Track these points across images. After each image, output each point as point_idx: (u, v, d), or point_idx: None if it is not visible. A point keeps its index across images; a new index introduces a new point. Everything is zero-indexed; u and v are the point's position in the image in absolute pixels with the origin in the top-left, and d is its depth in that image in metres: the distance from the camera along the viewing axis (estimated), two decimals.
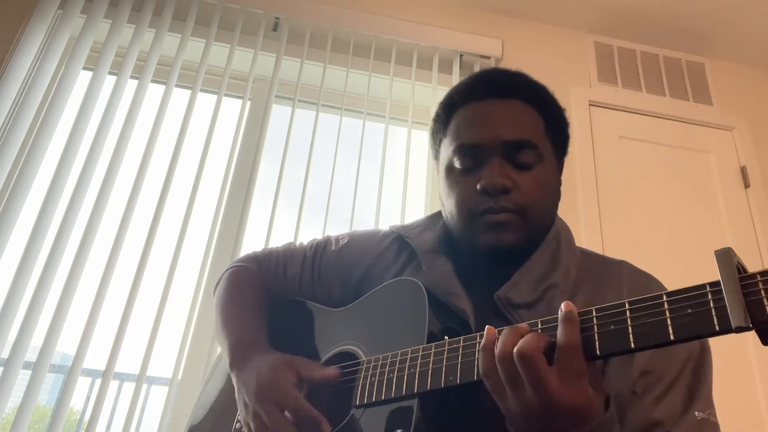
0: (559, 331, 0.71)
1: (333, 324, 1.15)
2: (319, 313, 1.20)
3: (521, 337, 0.73)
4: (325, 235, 1.33)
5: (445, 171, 1.07)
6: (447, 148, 1.08)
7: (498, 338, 0.75)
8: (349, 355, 1.03)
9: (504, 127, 1.02)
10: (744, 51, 3.07)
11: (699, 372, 0.90)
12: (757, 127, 2.95)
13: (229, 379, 1.11)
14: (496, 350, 0.73)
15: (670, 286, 0.98)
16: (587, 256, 1.10)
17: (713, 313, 0.61)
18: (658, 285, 1.02)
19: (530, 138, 1.02)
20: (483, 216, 0.98)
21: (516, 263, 1.01)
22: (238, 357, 1.10)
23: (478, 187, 0.98)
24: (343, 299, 1.17)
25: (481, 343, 0.76)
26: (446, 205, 1.08)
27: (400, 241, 1.20)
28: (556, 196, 1.07)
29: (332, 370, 1.00)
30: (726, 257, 0.62)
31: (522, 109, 1.05)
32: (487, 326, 0.78)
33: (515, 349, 0.71)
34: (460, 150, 1.04)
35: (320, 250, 1.27)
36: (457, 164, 1.04)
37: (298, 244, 1.34)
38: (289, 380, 0.98)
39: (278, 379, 0.98)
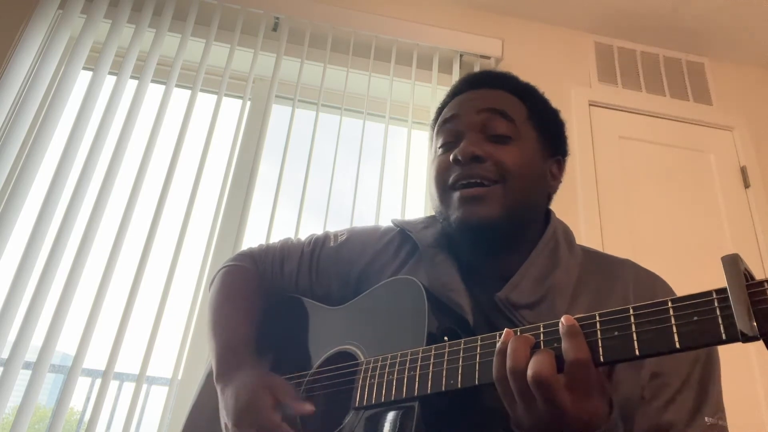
0: (566, 346, 0.70)
1: (331, 323, 1.14)
2: (316, 312, 1.19)
3: (531, 349, 0.72)
4: (324, 231, 1.32)
5: (431, 160, 1.11)
6: (433, 140, 1.12)
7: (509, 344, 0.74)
8: (348, 355, 1.02)
9: (480, 101, 1.06)
10: (744, 51, 3.07)
11: (707, 374, 0.90)
12: (757, 127, 2.95)
13: None
14: (508, 362, 0.72)
15: (671, 285, 0.98)
16: (590, 255, 1.09)
17: (720, 321, 0.60)
18: (663, 284, 1.01)
19: (505, 109, 1.04)
20: (455, 189, 0.99)
21: (515, 259, 1.00)
22: (222, 371, 1.09)
23: (450, 158, 1.00)
24: (341, 296, 1.16)
25: (498, 346, 0.75)
26: (429, 188, 1.10)
27: (401, 235, 1.20)
28: (539, 182, 1.06)
29: (308, 407, 0.97)
30: (733, 264, 0.61)
31: (502, 94, 1.08)
32: (505, 329, 0.77)
33: (529, 373, 0.70)
34: (440, 127, 1.09)
35: (318, 246, 1.26)
36: (438, 145, 1.08)
37: (295, 240, 1.33)
38: (267, 403, 0.97)
39: (257, 401, 0.98)
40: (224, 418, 1.02)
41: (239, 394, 1.00)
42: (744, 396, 2.30)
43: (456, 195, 0.99)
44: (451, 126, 1.06)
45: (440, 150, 1.07)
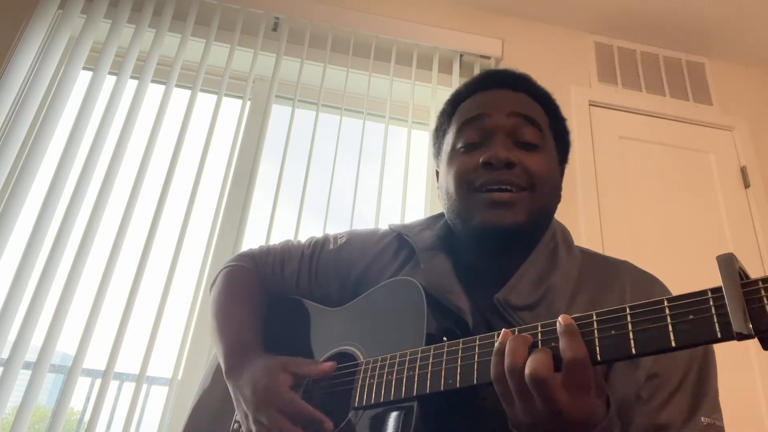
0: (563, 345, 0.70)
1: (331, 324, 1.14)
2: (316, 313, 1.20)
3: (529, 348, 0.73)
4: (324, 233, 1.32)
5: (448, 156, 1.07)
6: (451, 134, 1.08)
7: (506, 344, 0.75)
8: (348, 356, 1.03)
9: (510, 105, 1.04)
10: (744, 51, 3.07)
11: (703, 374, 0.90)
12: (757, 127, 2.95)
13: (225, 382, 1.11)
14: (506, 361, 0.73)
15: (671, 285, 0.98)
16: (588, 256, 1.09)
17: (715, 320, 0.61)
18: (661, 286, 1.01)
19: (534, 116, 1.03)
20: (482, 192, 0.97)
21: (514, 261, 1.00)
22: (233, 365, 1.09)
23: (480, 160, 0.98)
24: (340, 298, 1.16)
25: (496, 346, 0.75)
26: (444, 185, 1.07)
27: (399, 239, 1.19)
28: (557, 191, 1.07)
29: (328, 364, 1.00)
30: (728, 263, 0.61)
31: (527, 99, 1.07)
32: (503, 329, 0.77)
33: (527, 372, 0.70)
34: (465, 125, 1.05)
35: (318, 248, 1.27)
36: (460, 143, 1.04)
37: (295, 241, 1.33)
38: (284, 383, 0.97)
39: (274, 383, 0.98)
40: (242, 409, 1.02)
41: (256, 381, 1.00)
42: (744, 396, 2.30)
43: (484, 197, 0.97)
44: (478, 125, 1.03)
45: (462, 149, 1.04)
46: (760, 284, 0.58)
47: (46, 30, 2.42)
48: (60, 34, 2.42)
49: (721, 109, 2.96)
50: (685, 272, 2.37)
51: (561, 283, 0.98)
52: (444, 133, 1.12)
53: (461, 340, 0.83)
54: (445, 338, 0.87)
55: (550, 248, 1.03)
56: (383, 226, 1.29)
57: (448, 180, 1.05)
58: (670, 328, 0.64)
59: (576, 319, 0.72)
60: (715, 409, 0.87)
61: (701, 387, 0.89)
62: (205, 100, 2.57)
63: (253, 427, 0.98)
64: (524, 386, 0.70)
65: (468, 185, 1.00)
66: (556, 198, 1.06)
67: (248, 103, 2.58)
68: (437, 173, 1.17)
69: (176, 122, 2.39)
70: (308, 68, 2.64)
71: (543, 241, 1.03)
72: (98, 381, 2.04)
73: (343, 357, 1.04)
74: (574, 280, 1.01)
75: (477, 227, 0.98)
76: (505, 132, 1.01)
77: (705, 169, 2.78)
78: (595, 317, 0.71)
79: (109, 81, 2.40)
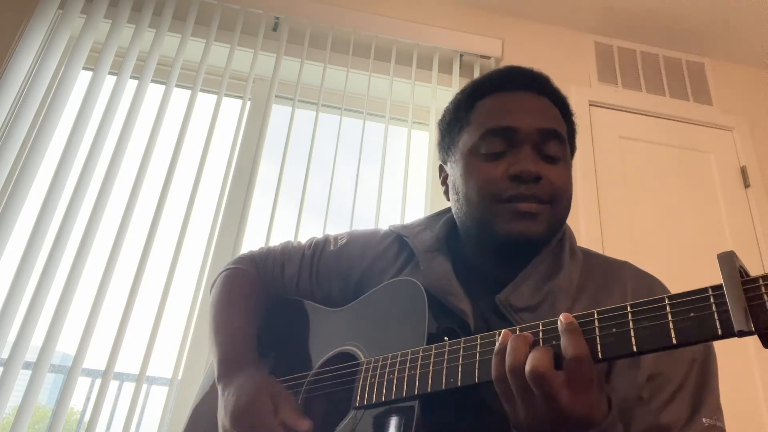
0: (564, 343, 0.70)
1: (332, 324, 1.14)
2: (317, 314, 1.20)
3: (530, 347, 0.73)
4: (324, 234, 1.32)
5: (466, 156, 1.04)
6: (471, 134, 1.05)
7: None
8: (349, 356, 1.03)
9: (538, 116, 1.02)
10: (744, 51, 3.07)
11: (704, 374, 0.90)
12: (757, 127, 2.95)
13: None
14: (507, 360, 0.72)
15: (671, 285, 0.98)
16: (590, 257, 1.09)
17: (716, 317, 0.61)
18: (661, 286, 1.01)
19: (560, 131, 1.02)
20: (509, 203, 0.95)
21: (516, 264, 1.00)
22: (225, 373, 1.09)
23: (510, 171, 0.96)
24: (341, 299, 1.17)
25: (496, 347, 0.75)
26: (462, 189, 1.03)
27: (399, 241, 1.19)
28: (571, 201, 1.06)
29: (304, 424, 0.96)
30: (728, 261, 0.62)
31: (551, 108, 1.06)
32: (503, 330, 0.77)
33: (527, 368, 0.70)
34: (491, 133, 1.01)
35: (319, 249, 1.26)
36: (483, 149, 1.01)
37: (296, 243, 1.33)
38: (267, 407, 0.97)
39: (256, 404, 0.98)
40: (222, 418, 1.02)
41: (240, 396, 1.01)
42: (744, 396, 2.29)
43: (509, 207, 0.95)
44: (506, 136, 1.00)
45: (485, 155, 1.01)
46: (761, 282, 0.59)
47: (46, 30, 2.42)
48: (60, 34, 2.42)
49: (721, 109, 2.96)
50: (685, 272, 2.37)
51: (563, 286, 0.98)
52: (460, 128, 1.09)
53: (462, 339, 0.83)
54: (446, 338, 0.87)
55: (556, 253, 1.03)
56: (383, 226, 1.28)
57: (467, 185, 1.02)
58: (671, 326, 0.64)
59: (577, 317, 0.72)
60: (717, 410, 0.87)
61: (702, 388, 0.89)
62: (205, 100, 2.58)
63: None
64: (526, 384, 0.70)
65: (493, 196, 0.97)
66: (569, 208, 1.05)
67: (248, 103, 2.58)
68: (441, 167, 1.15)
69: (176, 122, 2.39)
70: (308, 68, 2.64)
71: (549, 245, 1.03)
72: (98, 381, 2.04)
73: (344, 357, 1.04)
74: (576, 284, 1.01)
75: (500, 236, 0.96)
76: (533, 144, 0.99)
77: (705, 169, 2.78)
78: (596, 315, 0.71)
79: (109, 81, 2.40)
